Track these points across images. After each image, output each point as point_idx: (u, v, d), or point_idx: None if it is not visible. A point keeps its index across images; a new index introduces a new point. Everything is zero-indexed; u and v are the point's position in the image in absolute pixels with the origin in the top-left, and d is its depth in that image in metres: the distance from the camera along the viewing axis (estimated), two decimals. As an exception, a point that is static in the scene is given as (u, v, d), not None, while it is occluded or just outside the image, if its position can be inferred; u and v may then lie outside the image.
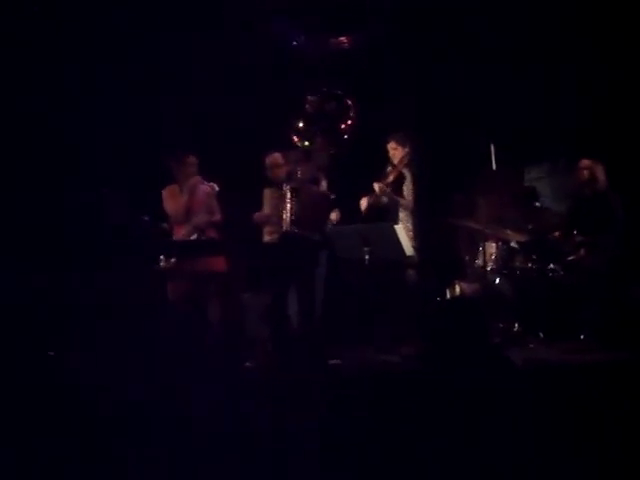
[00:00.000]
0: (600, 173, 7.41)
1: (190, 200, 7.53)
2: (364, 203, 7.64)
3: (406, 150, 7.60)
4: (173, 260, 7.33)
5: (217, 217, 7.59)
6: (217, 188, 7.51)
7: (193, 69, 8.39)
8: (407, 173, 7.63)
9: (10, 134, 8.17)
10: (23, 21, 7.99)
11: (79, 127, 8.42)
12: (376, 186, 7.55)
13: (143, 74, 8.40)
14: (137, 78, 8.41)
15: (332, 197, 7.58)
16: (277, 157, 7.56)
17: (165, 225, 7.54)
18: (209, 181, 7.55)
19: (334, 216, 7.61)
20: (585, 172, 7.42)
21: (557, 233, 7.44)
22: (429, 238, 7.69)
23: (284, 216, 7.40)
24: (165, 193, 7.63)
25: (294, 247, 7.35)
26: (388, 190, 7.57)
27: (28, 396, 5.39)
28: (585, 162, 7.47)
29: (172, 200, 7.58)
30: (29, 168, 8.19)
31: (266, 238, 7.56)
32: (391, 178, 7.58)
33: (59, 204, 8.24)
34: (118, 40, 8.29)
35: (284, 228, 7.41)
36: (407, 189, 7.62)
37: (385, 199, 7.66)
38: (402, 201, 7.60)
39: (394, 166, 7.61)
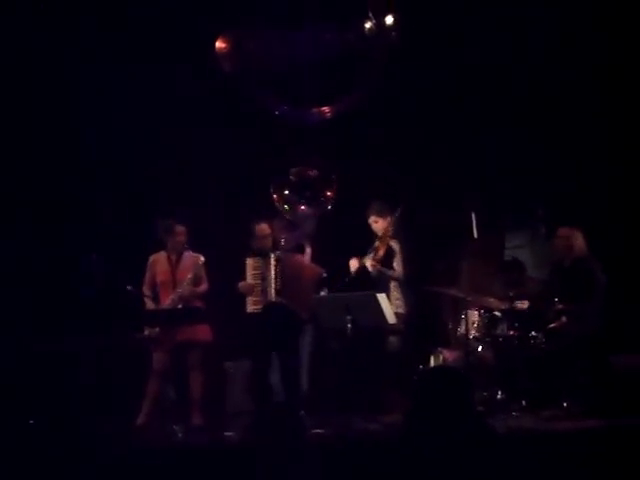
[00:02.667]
0: (579, 240, 7.38)
1: (176, 269, 7.59)
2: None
3: (387, 220, 7.60)
4: (157, 329, 7.37)
5: (203, 287, 7.63)
6: (203, 259, 7.57)
7: (176, 136, 8.48)
8: (395, 245, 7.63)
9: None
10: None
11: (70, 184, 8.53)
12: (368, 263, 7.54)
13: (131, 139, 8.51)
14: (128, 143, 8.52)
15: (324, 275, 7.58)
16: (265, 228, 7.59)
17: (148, 293, 7.56)
18: (196, 250, 7.61)
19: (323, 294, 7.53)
20: (563, 240, 7.42)
21: (538, 301, 7.45)
22: (413, 306, 7.70)
23: (269, 286, 7.47)
24: (152, 260, 7.69)
25: (278, 318, 7.40)
26: (379, 267, 7.55)
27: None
28: (563, 230, 7.47)
29: (159, 268, 7.63)
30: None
31: (250, 308, 7.56)
32: (381, 253, 7.56)
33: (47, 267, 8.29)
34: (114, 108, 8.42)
35: (268, 298, 7.46)
36: (397, 261, 7.62)
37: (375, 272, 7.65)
38: (393, 274, 7.59)
39: (380, 239, 7.60)
